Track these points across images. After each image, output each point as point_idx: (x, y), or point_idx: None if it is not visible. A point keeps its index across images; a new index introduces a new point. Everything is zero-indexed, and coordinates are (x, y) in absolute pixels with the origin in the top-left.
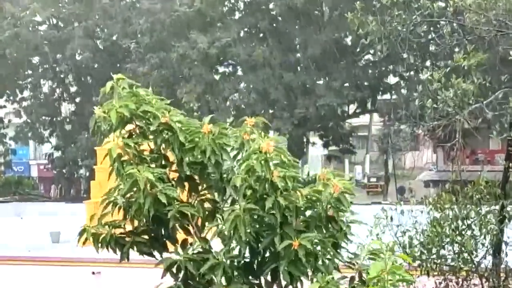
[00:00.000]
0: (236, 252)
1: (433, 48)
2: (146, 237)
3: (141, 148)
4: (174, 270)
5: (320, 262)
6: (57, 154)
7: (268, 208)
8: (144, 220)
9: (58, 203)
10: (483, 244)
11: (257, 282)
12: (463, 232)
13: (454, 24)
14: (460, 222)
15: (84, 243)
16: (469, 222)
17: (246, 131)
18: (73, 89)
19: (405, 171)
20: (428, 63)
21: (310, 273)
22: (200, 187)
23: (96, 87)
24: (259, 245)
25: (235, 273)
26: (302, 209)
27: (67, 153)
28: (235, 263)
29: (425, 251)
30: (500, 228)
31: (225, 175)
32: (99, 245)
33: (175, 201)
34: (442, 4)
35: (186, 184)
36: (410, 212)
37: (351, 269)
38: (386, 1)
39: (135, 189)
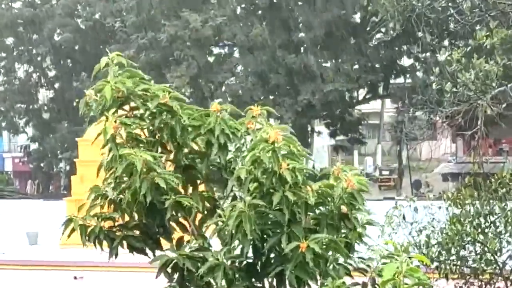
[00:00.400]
0: (237, 252)
1: (452, 26)
2: (138, 232)
3: (135, 133)
4: (169, 270)
5: (330, 266)
6: (33, 146)
7: (276, 204)
8: (136, 213)
9: (36, 201)
10: (508, 243)
11: (260, 285)
12: (486, 230)
13: None
14: (482, 219)
15: (68, 236)
16: (492, 219)
17: (250, 119)
18: (51, 73)
19: (421, 163)
20: (446, 42)
21: (319, 277)
22: (198, 181)
23: (77, 71)
24: (264, 244)
25: (237, 275)
26: (312, 205)
27: (45, 144)
28: (237, 264)
29: (444, 252)
30: None
31: (228, 165)
32: (87, 238)
33: (172, 191)
34: None
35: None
36: (426, 209)
37: (363, 274)
38: None
39: (128, 175)
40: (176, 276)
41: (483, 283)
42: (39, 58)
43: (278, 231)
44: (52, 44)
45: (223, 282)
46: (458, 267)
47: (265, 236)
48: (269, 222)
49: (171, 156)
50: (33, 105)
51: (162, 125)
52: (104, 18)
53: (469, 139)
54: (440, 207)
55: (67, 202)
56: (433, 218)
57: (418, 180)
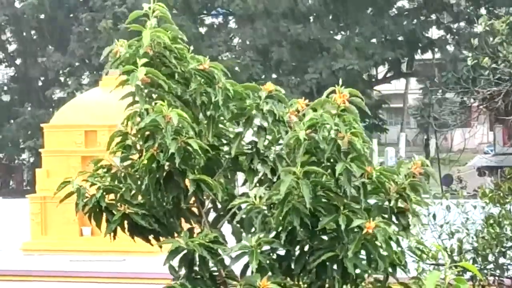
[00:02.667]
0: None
1: None
2: (144, 211)
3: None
4: (175, 263)
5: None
6: None
7: (338, 175)
8: (145, 189)
9: None
10: None
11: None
12: None
13: None
14: None
15: (63, 200)
16: None
17: (294, 110)
18: (12, 47)
19: (452, 155)
20: (483, 11)
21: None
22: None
23: (43, 44)
24: (316, 225)
25: (268, 264)
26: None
27: (4, 131)
28: (268, 254)
29: (480, 259)
30: None
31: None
32: (83, 207)
33: (193, 169)
34: None
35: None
36: (459, 208)
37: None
38: None
39: (145, 137)
40: (182, 272)
41: None
42: None
43: (332, 211)
44: (13, 13)
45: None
46: (497, 277)
47: (314, 216)
48: (320, 201)
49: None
50: None
51: (195, 93)
52: None
53: (511, 126)
54: (475, 206)
55: (30, 200)
56: (467, 219)
57: (449, 175)
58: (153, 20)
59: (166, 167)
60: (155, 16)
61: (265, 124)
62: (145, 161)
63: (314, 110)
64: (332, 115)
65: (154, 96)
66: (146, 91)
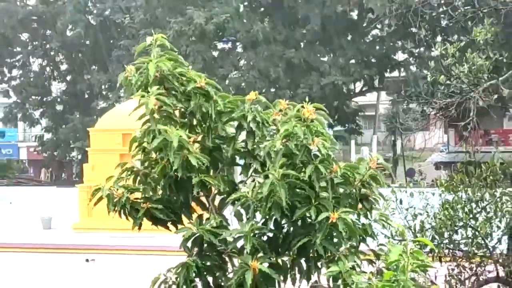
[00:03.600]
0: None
1: (444, 23)
2: (161, 206)
3: (169, 111)
4: (188, 244)
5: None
6: (47, 135)
7: (308, 175)
8: (162, 188)
9: (49, 187)
10: (498, 228)
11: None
12: (477, 216)
13: None
14: (473, 205)
15: (95, 204)
16: (483, 205)
17: (278, 111)
18: (63, 67)
19: (414, 153)
20: (439, 38)
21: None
22: (220, 165)
23: (88, 65)
24: (293, 216)
25: (260, 245)
26: (335, 184)
27: (58, 134)
28: (259, 237)
29: (437, 236)
30: None
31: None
32: (114, 207)
33: (199, 171)
34: None
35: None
36: (421, 195)
37: (376, 256)
38: None
39: (159, 150)
40: (194, 249)
41: (474, 265)
42: (52, 53)
43: (306, 203)
44: (64, 39)
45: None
46: (450, 250)
47: (293, 208)
48: (296, 196)
49: (199, 138)
50: (47, 97)
51: (195, 108)
52: (114, 14)
53: (461, 129)
54: (434, 194)
55: (79, 189)
56: (427, 204)
57: (411, 169)
58: (155, 49)
59: (173, 176)
60: (158, 46)
61: (252, 128)
62: (159, 170)
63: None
64: (301, 126)
65: (164, 114)
66: (157, 107)
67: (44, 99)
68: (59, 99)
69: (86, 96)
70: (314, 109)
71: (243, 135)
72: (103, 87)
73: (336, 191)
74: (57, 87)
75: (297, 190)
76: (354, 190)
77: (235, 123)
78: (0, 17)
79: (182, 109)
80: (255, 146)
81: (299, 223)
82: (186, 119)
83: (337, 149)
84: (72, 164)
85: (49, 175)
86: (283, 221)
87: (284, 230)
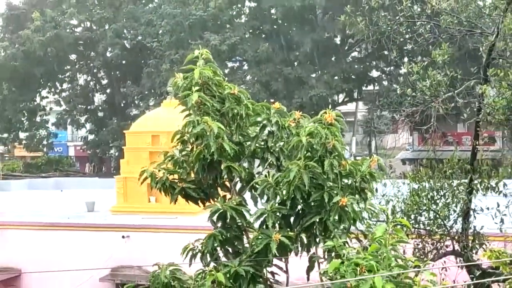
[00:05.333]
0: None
1: (410, 47)
2: (193, 186)
3: (207, 108)
4: (214, 219)
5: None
6: (91, 137)
7: (325, 167)
8: (195, 171)
9: (92, 178)
10: (454, 211)
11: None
12: (438, 201)
13: (430, 25)
14: (435, 193)
15: (142, 182)
16: (442, 193)
17: (293, 119)
18: (104, 81)
19: (385, 151)
20: (406, 59)
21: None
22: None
23: (124, 80)
24: (309, 198)
25: (277, 222)
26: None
27: (99, 136)
28: (278, 214)
29: (406, 217)
30: (468, 198)
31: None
32: (155, 185)
33: (226, 158)
34: (419, 9)
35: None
36: (392, 185)
37: (364, 236)
38: (375, 3)
39: (196, 138)
40: (219, 224)
41: (435, 241)
42: (95, 70)
43: (320, 190)
44: (105, 59)
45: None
46: (416, 229)
47: (308, 193)
48: (312, 182)
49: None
50: (91, 106)
51: (228, 109)
52: (145, 38)
53: (424, 132)
54: (403, 183)
55: (116, 179)
56: (399, 191)
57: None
58: (201, 61)
59: (208, 158)
60: (202, 58)
61: (273, 129)
62: (196, 154)
63: (315, 121)
64: (323, 128)
65: (203, 111)
66: (197, 107)
67: (88, 107)
68: (100, 108)
69: (122, 105)
70: (335, 115)
71: (263, 135)
72: (135, 97)
73: (341, 182)
74: (99, 98)
75: (313, 178)
76: (355, 183)
77: (256, 126)
78: (53, 41)
79: (216, 110)
80: (273, 144)
81: (312, 205)
82: (219, 118)
83: (346, 150)
84: (110, 159)
85: (92, 168)
86: (299, 203)
87: (295, 211)
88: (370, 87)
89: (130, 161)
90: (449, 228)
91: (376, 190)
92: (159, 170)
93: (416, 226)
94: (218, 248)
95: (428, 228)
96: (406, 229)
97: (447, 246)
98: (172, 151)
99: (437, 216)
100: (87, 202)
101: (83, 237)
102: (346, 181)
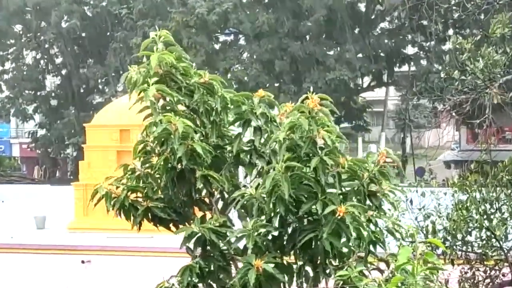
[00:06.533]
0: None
1: (457, 15)
2: (162, 205)
3: (171, 103)
4: (191, 245)
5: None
6: (41, 132)
7: (312, 169)
8: (163, 185)
9: (43, 185)
10: None
11: (285, 258)
12: (492, 217)
13: None
14: (488, 205)
15: (95, 205)
16: (498, 205)
17: (284, 112)
18: (58, 60)
19: (424, 151)
20: (451, 31)
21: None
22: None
23: (84, 58)
24: (299, 211)
25: (264, 243)
26: (341, 179)
27: (52, 130)
28: (264, 235)
29: (450, 237)
30: None
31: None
32: (112, 206)
33: (201, 166)
34: None
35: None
36: (432, 195)
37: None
38: None
39: (162, 141)
40: (197, 251)
41: (488, 268)
42: (46, 45)
43: (312, 198)
44: (59, 31)
45: (250, 251)
46: (464, 252)
47: (298, 203)
48: (302, 190)
49: (199, 135)
50: (41, 92)
51: (199, 103)
52: (111, 5)
53: (474, 127)
54: (445, 193)
55: (74, 187)
56: (439, 204)
57: (421, 167)
58: (160, 44)
59: (178, 167)
60: (161, 41)
61: (260, 124)
62: (161, 163)
63: (300, 111)
64: (306, 117)
65: (167, 107)
66: (160, 104)
67: (38, 93)
68: (53, 94)
69: (82, 90)
70: (319, 99)
71: (248, 135)
72: (99, 81)
73: (343, 186)
74: (51, 81)
75: (303, 185)
76: (362, 186)
77: (237, 125)
78: None
79: (184, 106)
80: (261, 144)
81: (305, 219)
82: (189, 115)
83: (344, 142)
84: (66, 161)
85: (42, 172)
86: (289, 218)
87: (290, 229)
88: (404, 68)
89: (93, 163)
90: (506, 251)
91: (411, 202)
92: (117, 187)
93: (464, 248)
94: (200, 285)
95: (479, 251)
96: (449, 253)
97: (504, 275)
98: (133, 164)
99: (492, 235)
100: (36, 217)
101: (31, 262)
102: (349, 185)
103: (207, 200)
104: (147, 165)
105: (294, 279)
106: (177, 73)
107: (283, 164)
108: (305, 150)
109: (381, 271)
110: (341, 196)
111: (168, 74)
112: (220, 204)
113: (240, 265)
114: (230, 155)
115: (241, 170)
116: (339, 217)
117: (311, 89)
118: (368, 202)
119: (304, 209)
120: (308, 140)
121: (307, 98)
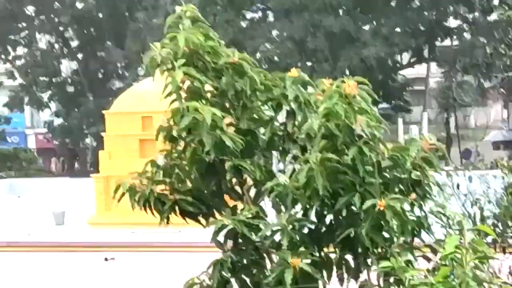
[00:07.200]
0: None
1: None
2: (190, 198)
3: (199, 88)
4: (221, 238)
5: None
6: (58, 121)
7: (350, 159)
8: (191, 177)
9: (61, 178)
10: None
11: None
12: None
13: None
14: None
15: (118, 200)
16: None
17: (321, 91)
18: (74, 43)
19: (470, 131)
20: (496, 1)
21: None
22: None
23: (102, 40)
24: (335, 205)
25: (298, 238)
26: (382, 168)
27: (69, 119)
28: (298, 229)
29: (500, 224)
30: None
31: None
32: (136, 202)
33: (232, 155)
34: None
35: None
36: (480, 179)
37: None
38: None
39: (188, 130)
40: (228, 245)
41: None
42: (61, 28)
43: (349, 191)
44: (75, 13)
45: (285, 246)
46: None
47: (335, 196)
48: (339, 182)
49: (232, 120)
50: (56, 78)
51: (228, 85)
52: None
53: None
54: (495, 176)
55: (95, 179)
56: (488, 188)
57: (468, 149)
58: (186, 21)
59: (206, 159)
60: (188, 17)
61: (293, 108)
62: (189, 155)
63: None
64: (343, 103)
65: (194, 91)
66: (186, 86)
67: (53, 80)
68: (69, 80)
69: (100, 75)
70: (356, 83)
71: (281, 118)
72: (118, 65)
73: (384, 176)
74: (67, 66)
75: (340, 176)
76: (404, 175)
77: (270, 106)
78: None
79: (213, 88)
80: (295, 128)
81: (343, 213)
82: (217, 99)
83: (384, 129)
84: (86, 152)
85: (60, 164)
86: (325, 212)
87: (327, 222)
88: (447, 43)
89: (113, 153)
90: None
91: (458, 186)
92: (141, 181)
93: None
94: (233, 280)
95: None
96: (499, 241)
97: None
98: (157, 157)
99: None
100: (55, 213)
101: (50, 260)
102: (391, 175)
103: (238, 189)
104: (173, 154)
105: (335, 273)
106: (204, 53)
107: (318, 156)
108: (342, 140)
109: (428, 259)
110: (382, 187)
111: (195, 54)
112: (252, 192)
113: (275, 258)
114: (262, 140)
115: (275, 154)
116: (379, 212)
117: (346, 68)
118: (412, 193)
119: (340, 203)
120: (345, 128)
121: (343, 81)
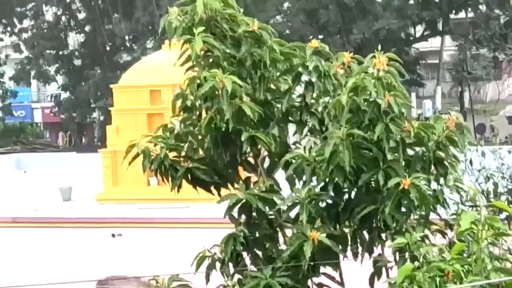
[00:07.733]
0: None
1: None
2: (204, 166)
3: (218, 56)
4: (235, 212)
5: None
6: (64, 95)
7: (378, 134)
8: (204, 146)
9: (68, 153)
10: None
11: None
12: None
13: None
14: None
15: (130, 163)
16: None
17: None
18: (81, 16)
19: (485, 105)
20: None
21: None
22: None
23: (110, 12)
24: (358, 180)
25: (317, 213)
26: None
27: (76, 93)
28: (316, 203)
29: None
30: None
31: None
32: (150, 165)
33: (248, 125)
34: None
35: None
36: (494, 154)
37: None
38: None
39: (206, 99)
40: (241, 219)
41: None
42: (68, 0)
43: (373, 167)
44: None
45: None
46: None
47: (358, 172)
48: (363, 158)
49: (249, 90)
50: (63, 51)
51: (246, 54)
52: None
53: None
54: (510, 151)
55: (102, 154)
56: (502, 164)
57: (482, 124)
58: None
59: (223, 128)
60: None
61: (313, 79)
62: (205, 123)
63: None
64: (372, 79)
65: (211, 60)
66: (203, 53)
67: (60, 53)
68: (76, 53)
69: (108, 48)
70: (387, 59)
71: (299, 89)
72: (127, 37)
73: (407, 153)
74: (74, 39)
75: (363, 151)
76: (427, 153)
77: (288, 77)
78: None
79: (230, 56)
80: (313, 100)
81: (364, 189)
82: (234, 68)
83: (411, 106)
84: (93, 126)
85: (67, 139)
86: (346, 187)
87: (345, 197)
88: (461, 15)
89: (121, 128)
90: None
91: (471, 162)
92: (155, 145)
93: None
94: (245, 253)
95: None
96: None
97: None
98: (172, 122)
99: None
100: (62, 188)
101: (57, 237)
102: (414, 151)
103: (252, 160)
104: (187, 122)
105: (349, 248)
106: (222, 20)
107: (345, 130)
108: (369, 116)
109: (444, 234)
110: (404, 163)
111: (213, 21)
112: (266, 163)
113: (288, 232)
114: (279, 111)
115: (290, 126)
116: (402, 190)
117: (358, 41)
118: (433, 170)
119: (364, 179)
120: (373, 104)
121: (373, 56)
